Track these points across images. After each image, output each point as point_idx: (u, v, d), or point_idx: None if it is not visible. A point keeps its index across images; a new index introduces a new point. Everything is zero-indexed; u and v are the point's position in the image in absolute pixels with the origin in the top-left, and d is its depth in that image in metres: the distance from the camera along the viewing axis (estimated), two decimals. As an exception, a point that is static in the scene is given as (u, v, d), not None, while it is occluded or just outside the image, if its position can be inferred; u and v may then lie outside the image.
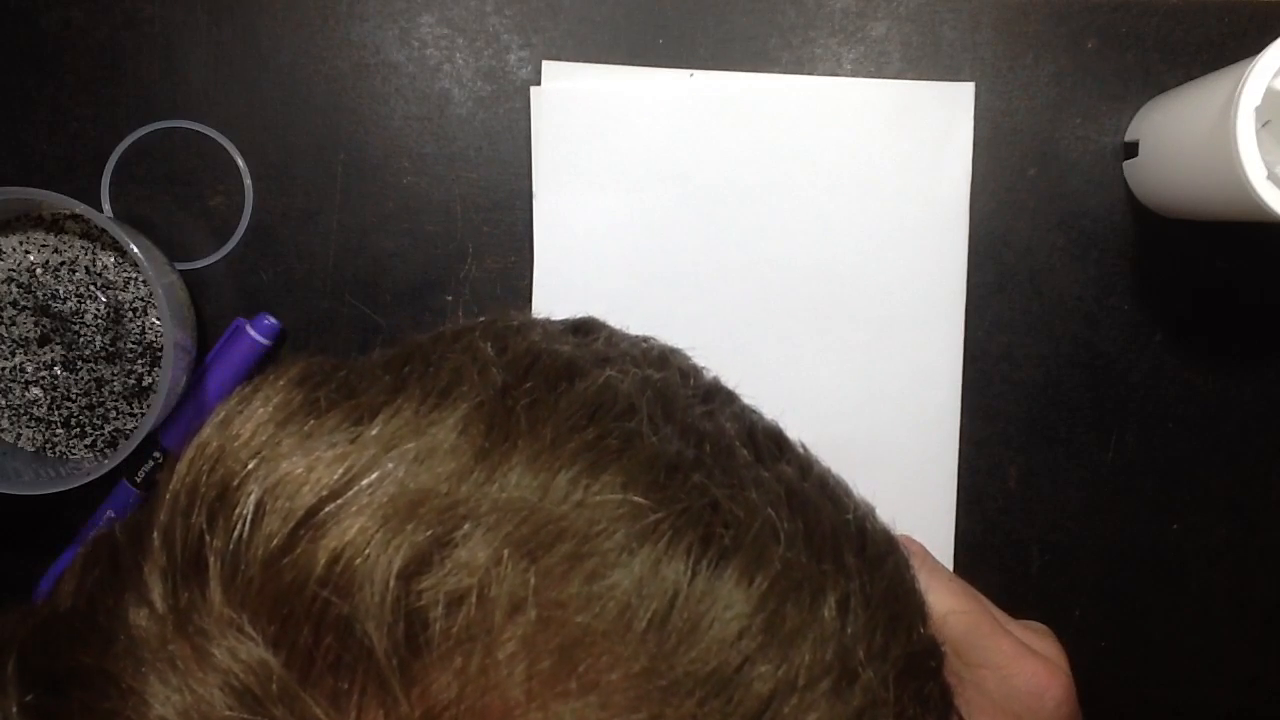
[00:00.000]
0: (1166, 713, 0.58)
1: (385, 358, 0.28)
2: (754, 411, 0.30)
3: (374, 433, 0.24)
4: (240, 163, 0.56)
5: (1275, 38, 0.45)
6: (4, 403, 0.56)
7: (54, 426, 0.56)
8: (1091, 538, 0.57)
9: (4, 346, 0.55)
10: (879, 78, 0.56)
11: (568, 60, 0.56)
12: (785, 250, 0.56)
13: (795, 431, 0.30)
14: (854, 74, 0.56)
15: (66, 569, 0.26)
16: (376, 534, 0.22)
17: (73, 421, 0.56)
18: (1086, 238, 0.56)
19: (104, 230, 0.54)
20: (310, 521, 0.22)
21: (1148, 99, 0.56)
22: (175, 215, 0.57)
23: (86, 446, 0.56)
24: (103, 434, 0.56)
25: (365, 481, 0.23)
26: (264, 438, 0.24)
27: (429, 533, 0.22)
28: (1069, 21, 0.56)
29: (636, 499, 0.23)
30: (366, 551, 0.22)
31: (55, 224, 0.55)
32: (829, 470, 0.29)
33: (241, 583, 0.22)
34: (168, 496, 0.24)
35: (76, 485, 0.51)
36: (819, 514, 0.26)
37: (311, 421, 0.24)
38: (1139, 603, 0.58)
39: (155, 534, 0.24)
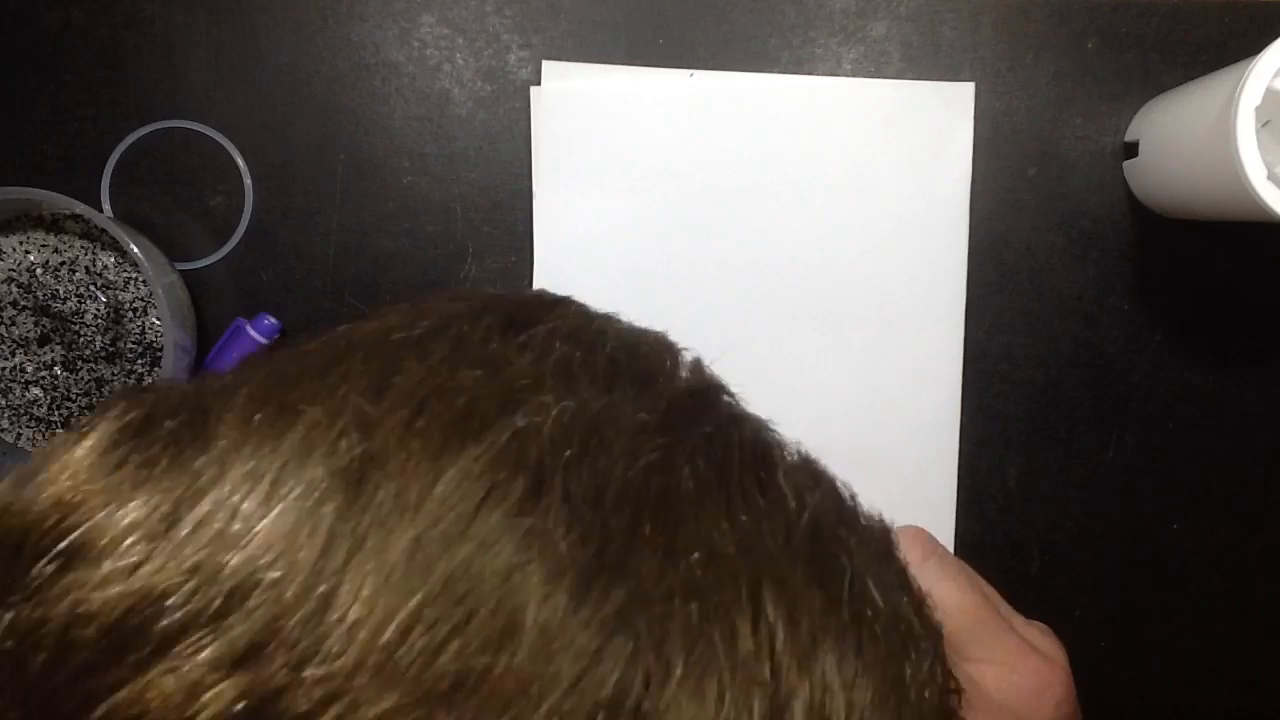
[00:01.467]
0: (1166, 713, 0.58)
1: (223, 380, 0.24)
2: (739, 420, 0.27)
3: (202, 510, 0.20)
4: (240, 163, 0.56)
5: (1275, 38, 0.45)
6: (4, 403, 0.56)
7: (54, 426, 0.56)
8: (1091, 538, 0.57)
9: (4, 346, 0.55)
10: (879, 78, 0.56)
11: (568, 60, 0.56)
12: (785, 250, 0.56)
13: (795, 432, 0.30)
14: (854, 74, 0.56)
15: None
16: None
17: (72, 421, 0.56)
18: (1086, 238, 0.56)
19: (104, 230, 0.54)
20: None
21: (1148, 99, 0.56)
22: (175, 215, 0.57)
23: (86, 446, 0.56)
24: (103, 434, 0.56)
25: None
26: (83, 498, 0.20)
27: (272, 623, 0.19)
28: (1069, 21, 0.56)
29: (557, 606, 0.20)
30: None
31: (55, 224, 0.55)
32: (830, 480, 0.26)
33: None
34: None
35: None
36: (789, 573, 0.22)
37: (137, 489, 0.21)
38: (1139, 603, 0.58)
39: None
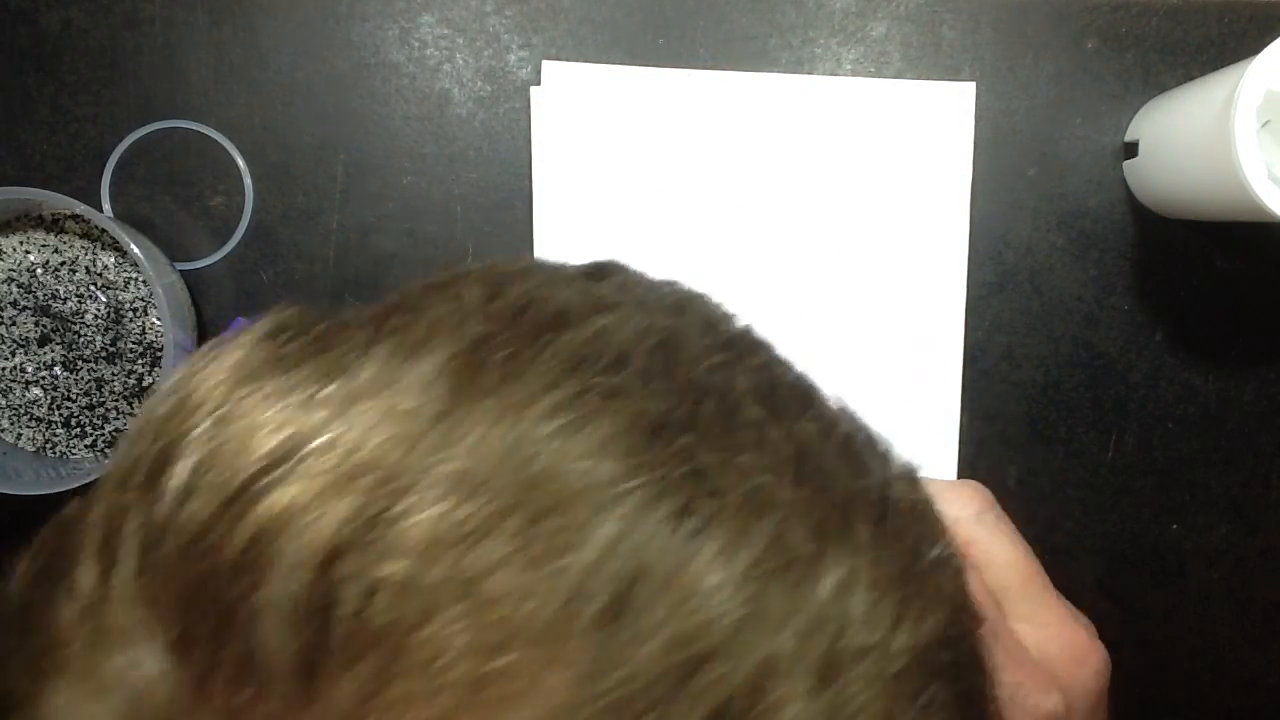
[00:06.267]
0: (1166, 713, 0.58)
1: (376, 308, 0.25)
2: (782, 364, 0.28)
3: (331, 391, 0.21)
4: (240, 163, 0.56)
5: (1275, 38, 0.45)
6: (4, 403, 0.56)
7: (54, 426, 0.56)
8: (1091, 538, 0.57)
9: (4, 346, 0.55)
10: (879, 78, 0.56)
11: (568, 60, 0.56)
12: (785, 250, 0.56)
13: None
14: (854, 74, 0.56)
15: (25, 550, 0.23)
16: (305, 508, 0.19)
17: (73, 421, 0.56)
18: (1086, 238, 0.56)
19: (104, 230, 0.54)
20: (243, 496, 0.20)
21: (1148, 99, 0.56)
22: (175, 215, 0.57)
23: (86, 446, 0.56)
24: (103, 434, 0.56)
25: (311, 447, 0.20)
26: (218, 397, 0.21)
27: (360, 505, 0.19)
28: (1069, 21, 0.56)
29: (609, 464, 0.21)
30: (289, 530, 0.19)
31: (55, 224, 0.55)
32: (865, 429, 0.27)
33: (159, 566, 0.20)
34: (113, 465, 0.22)
35: (76, 485, 0.51)
36: (831, 480, 0.23)
37: (276, 379, 0.22)
38: (1139, 603, 0.58)
39: (96, 509, 0.21)
